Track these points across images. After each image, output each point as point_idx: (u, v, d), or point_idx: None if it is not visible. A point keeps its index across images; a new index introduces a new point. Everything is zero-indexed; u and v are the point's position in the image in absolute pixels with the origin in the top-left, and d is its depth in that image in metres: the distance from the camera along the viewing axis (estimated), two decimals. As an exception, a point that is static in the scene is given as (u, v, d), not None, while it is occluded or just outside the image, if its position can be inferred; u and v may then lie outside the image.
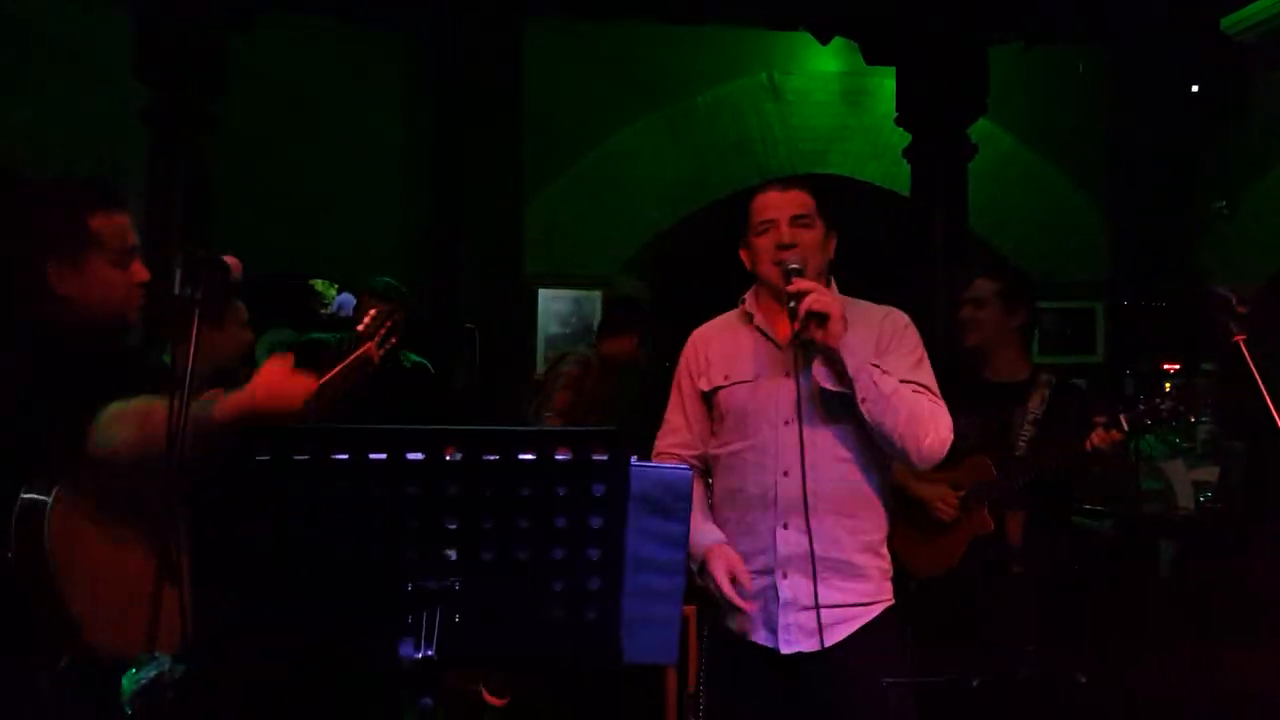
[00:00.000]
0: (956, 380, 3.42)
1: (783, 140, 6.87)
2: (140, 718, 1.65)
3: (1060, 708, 1.75)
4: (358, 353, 2.79)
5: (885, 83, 6.22)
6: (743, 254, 2.53)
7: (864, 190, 6.87)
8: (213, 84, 5.23)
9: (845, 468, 2.37)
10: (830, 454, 2.36)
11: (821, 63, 6.90)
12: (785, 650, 2.32)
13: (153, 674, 1.62)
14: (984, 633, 3.16)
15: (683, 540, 1.60)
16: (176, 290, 1.92)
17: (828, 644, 2.30)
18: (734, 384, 2.44)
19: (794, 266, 2.34)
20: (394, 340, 2.91)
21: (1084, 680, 1.74)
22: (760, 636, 2.35)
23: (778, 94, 6.88)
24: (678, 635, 1.66)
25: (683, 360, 2.56)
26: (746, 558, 2.33)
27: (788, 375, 2.36)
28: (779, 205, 2.44)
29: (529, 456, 1.49)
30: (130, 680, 1.63)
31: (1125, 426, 3.07)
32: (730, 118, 6.88)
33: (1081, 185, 7.03)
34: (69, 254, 2.04)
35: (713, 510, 2.46)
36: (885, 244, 7.25)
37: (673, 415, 2.55)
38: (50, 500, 1.95)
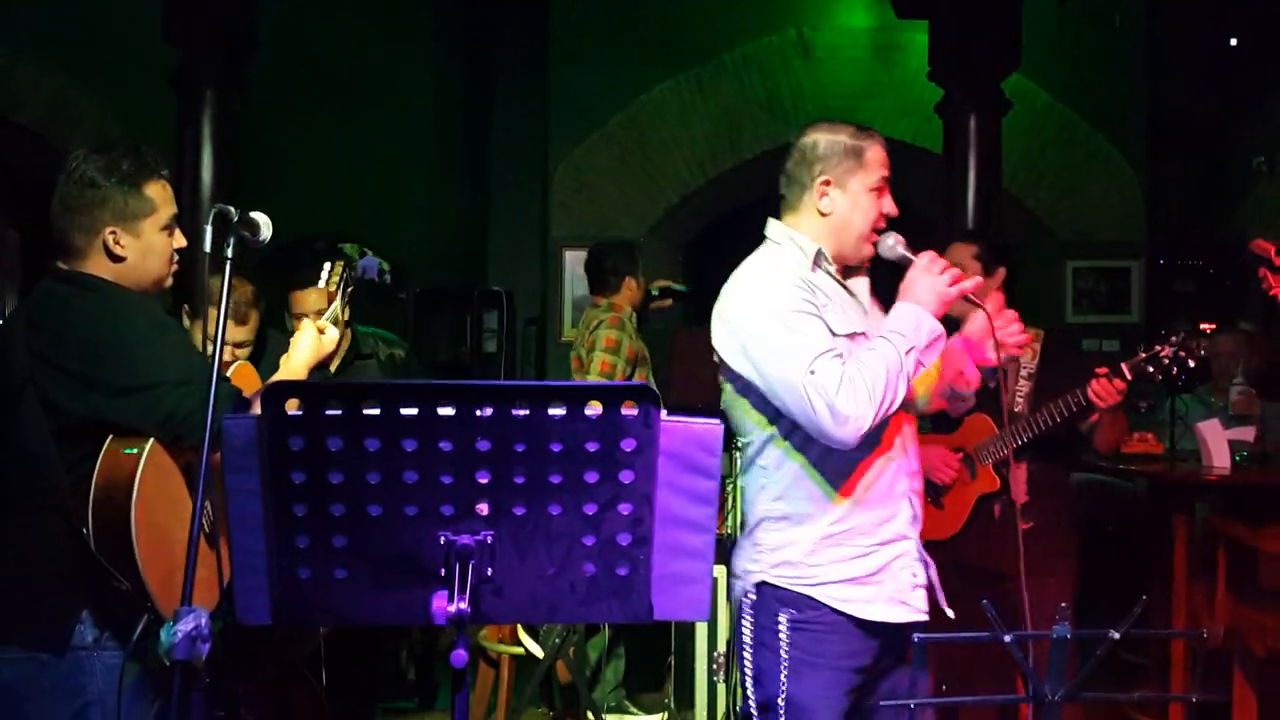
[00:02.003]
0: None
1: (812, 97, 6.79)
2: (178, 670, 1.68)
3: (1094, 663, 1.74)
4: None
5: (916, 37, 6.12)
6: (826, 190, 2.24)
7: (895, 147, 6.74)
8: (242, 49, 5.22)
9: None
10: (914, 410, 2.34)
11: (851, 17, 6.81)
12: (916, 619, 2.23)
13: (189, 627, 1.65)
14: (1007, 590, 3.18)
15: (713, 496, 1.59)
16: (207, 249, 1.95)
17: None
18: (854, 334, 2.22)
19: (891, 242, 2.25)
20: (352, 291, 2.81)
21: (1117, 636, 1.72)
22: (875, 612, 2.20)
23: (807, 50, 6.79)
24: (709, 593, 1.65)
25: (799, 301, 2.18)
26: (872, 530, 2.21)
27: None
28: (888, 166, 2.28)
29: (559, 411, 1.48)
30: (167, 633, 1.65)
31: (1127, 374, 3.05)
32: (759, 75, 6.80)
33: (1118, 142, 6.91)
34: (127, 219, 2.17)
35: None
36: (916, 202, 7.20)
37: (814, 335, 2.15)
38: (140, 466, 2.02)
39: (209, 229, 1.98)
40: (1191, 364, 3.05)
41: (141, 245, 2.19)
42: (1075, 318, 6.88)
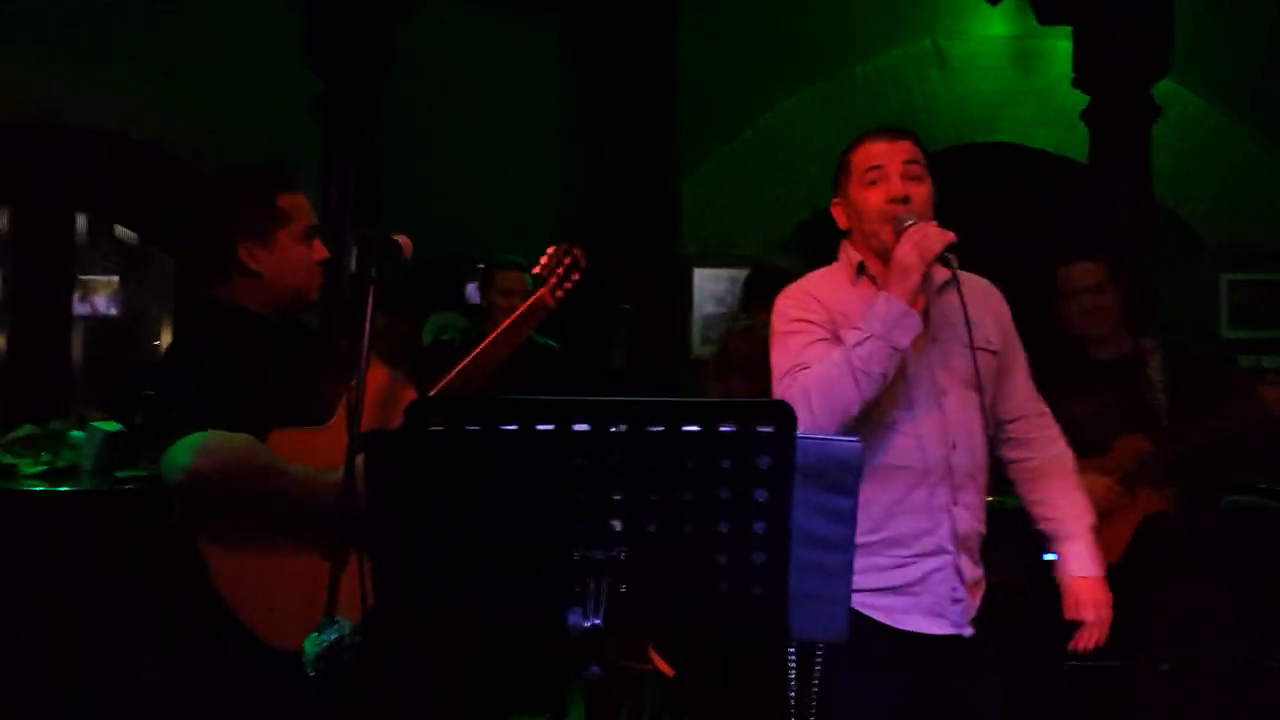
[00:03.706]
0: (1064, 363, 3.31)
1: (948, 108, 6.65)
2: (321, 680, 1.71)
3: (1254, 694, 1.64)
4: (531, 300, 2.57)
5: (1058, 44, 5.93)
6: (837, 211, 2.35)
7: (1037, 157, 6.59)
8: (378, 70, 5.40)
9: (981, 434, 2.27)
10: (975, 421, 2.24)
11: (989, 26, 6.64)
12: (953, 632, 2.20)
13: (333, 637, 1.68)
14: (1168, 616, 3.07)
15: (852, 515, 1.55)
16: (354, 269, 1.99)
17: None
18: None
19: (910, 223, 2.15)
20: (575, 278, 2.65)
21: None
22: (910, 622, 2.19)
23: (943, 60, 6.65)
24: (847, 613, 1.61)
25: (795, 310, 2.27)
26: (910, 541, 2.19)
27: (933, 339, 2.23)
28: (888, 154, 2.25)
29: (693, 428, 1.47)
30: (312, 643, 1.69)
31: None
32: (893, 87, 6.69)
33: (1277, 148, 6.56)
34: (260, 232, 2.16)
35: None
36: (1060, 214, 6.96)
37: (795, 346, 2.22)
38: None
39: (354, 250, 2.02)
40: None
41: (277, 257, 2.17)
42: (1231, 333, 6.55)
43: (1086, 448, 3.23)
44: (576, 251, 2.63)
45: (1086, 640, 2.30)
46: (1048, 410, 2.46)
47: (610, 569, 1.50)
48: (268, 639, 2.03)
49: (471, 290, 7.14)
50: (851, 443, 1.54)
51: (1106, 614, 2.33)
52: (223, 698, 2.09)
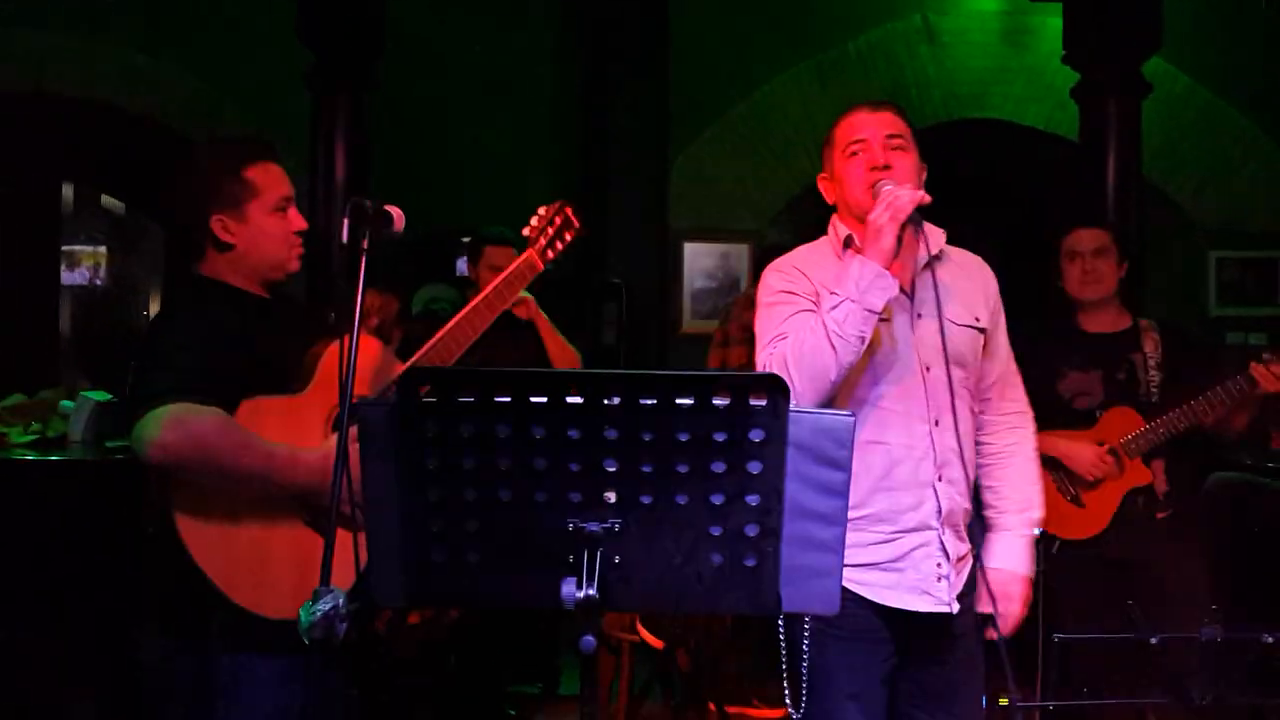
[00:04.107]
0: (1058, 335, 3.34)
1: (938, 84, 6.64)
2: (316, 648, 1.72)
3: (1245, 667, 1.66)
4: (518, 260, 2.45)
5: (1048, 20, 5.93)
6: (823, 185, 2.36)
7: (1026, 134, 6.60)
8: (371, 46, 5.36)
9: (966, 410, 2.25)
10: (960, 397, 2.23)
11: (980, 2, 6.63)
12: (938, 609, 2.19)
13: (328, 607, 1.69)
14: (1148, 579, 3.12)
15: (844, 489, 1.57)
16: (345, 239, 1.99)
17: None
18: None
19: (888, 187, 2.14)
20: (569, 238, 2.53)
21: (1271, 640, 1.64)
22: (894, 599, 2.19)
23: (933, 36, 6.64)
24: (839, 586, 1.62)
25: (779, 282, 2.27)
26: (893, 517, 2.19)
27: (918, 315, 2.23)
28: (870, 125, 2.26)
29: (687, 401, 1.48)
30: (306, 612, 1.70)
31: None
32: (884, 63, 6.68)
33: (1264, 126, 6.57)
34: (231, 204, 2.17)
35: None
36: (1049, 190, 6.97)
37: (778, 316, 2.22)
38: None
39: (345, 221, 2.01)
40: None
41: (249, 230, 2.17)
42: (1219, 310, 6.59)
43: (1076, 418, 3.28)
44: (569, 210, 2.53)
45: (994, 633, 2.25)
46: (1020, 396, 2.45)
47: (605, 541, 1.52)
48: (250, 608, 2.04)
49: (461, 264, 7.13)
50: (844, 416, 1.55)
51: (1017, 609, 2.31)
52: (211, 670, 2.09)
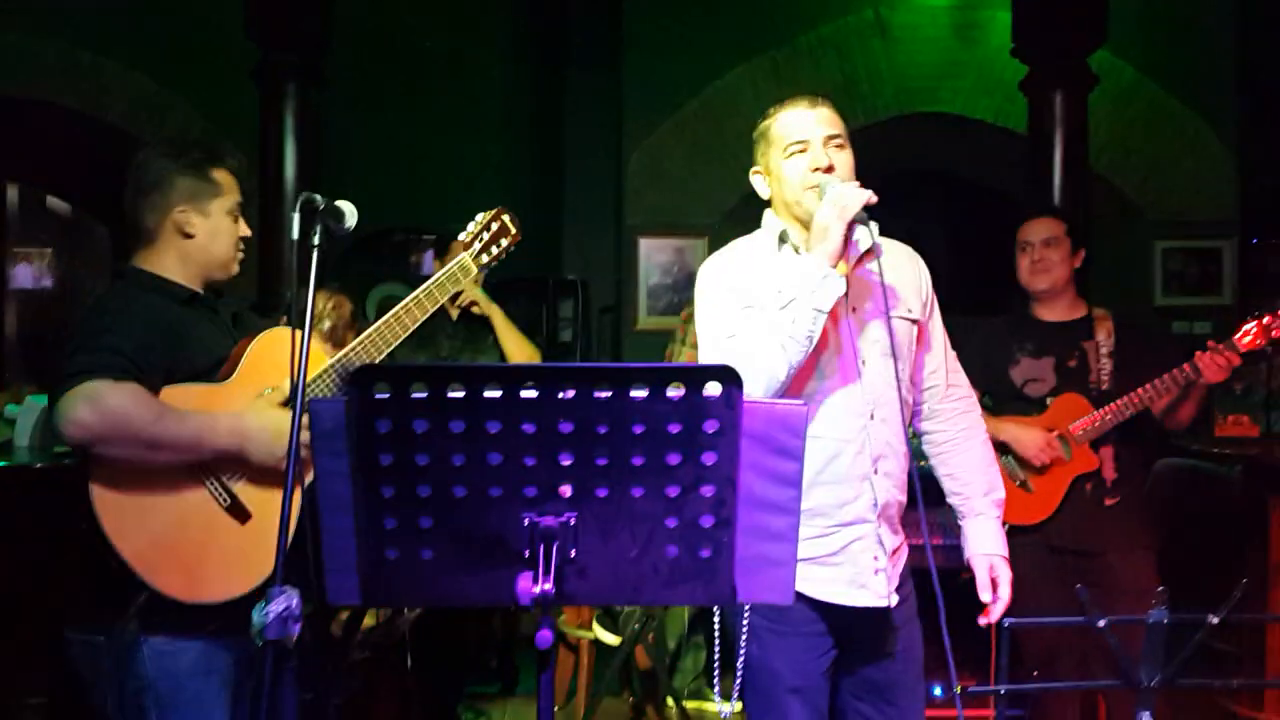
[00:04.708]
0: (1013, 324, 3.39)
1: (890, 79, 6.69)
2: (269, 650, 1.71)
3: (1191, 649, 1.69)
4: (453, 262, 2.46)
5: (998, 15, 5.99)
6: (757, 180, 2.34)
7: (977, 128, 6.67)
8: (319, 42, 5.31)
9: (900, 403, 2.24)
10: (894, 390, 2.23)
11: (930, -4, 6.70)
12: (878, 603, 2.20)
13: (281, 608, 1.68)
14: (1095, 567, 3.17)
15: (797, 479, 1.57)
16: (295, 235, 1.98)
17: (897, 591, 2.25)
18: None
19: (834, 187, 2.14)
20: (505, 244, 2.54)
21: (1216, 621, 1.67)
22: (832, 593, 2.19)
23: (885, 30, 6.69)
24: (794, 576, 1.63)
25: (719, 280, 2.25)
26: (830, 511, 2.19)
27: (853, 309, 2.22)
28: (810, 124, 2.23)
29: (641, 393, 1.48)
30: (259, 613, 1.68)
31: (1240, 349, 3.03)
32: (835, 57, 6.72)
33: (1209, 119, 6.69)
34: (197, 199, 2.28)
35: None
36: (1000, 183, 7.05)
37: (741, 328, 2.19)
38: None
39: (296, 216, 2.00)
40: None
41: (210, 225, 2.29)
42: (1164, 300, 6.70)
43: (1027, 405, 3.32)
44: (506, 217, 2.56)
45: (994, 615, 2.31)
46: (963, 381, 2.47)
47: (560, 535, 1.51)
48: (168, 592, 2.07)
49: (428, 261, 7.08)
50: (798, 405, 1.56)
51: (1008, 592, 2.35)
52: (133, 656, 2.11)
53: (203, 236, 2.29)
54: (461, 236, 2.52)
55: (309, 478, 1.95)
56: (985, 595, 2.32)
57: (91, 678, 2.16)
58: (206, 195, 2.29)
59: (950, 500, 2.44)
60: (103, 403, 2.01)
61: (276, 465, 2.15)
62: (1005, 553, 2.39)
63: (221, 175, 2.32)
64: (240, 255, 2.37)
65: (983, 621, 2.31)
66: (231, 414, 2.16)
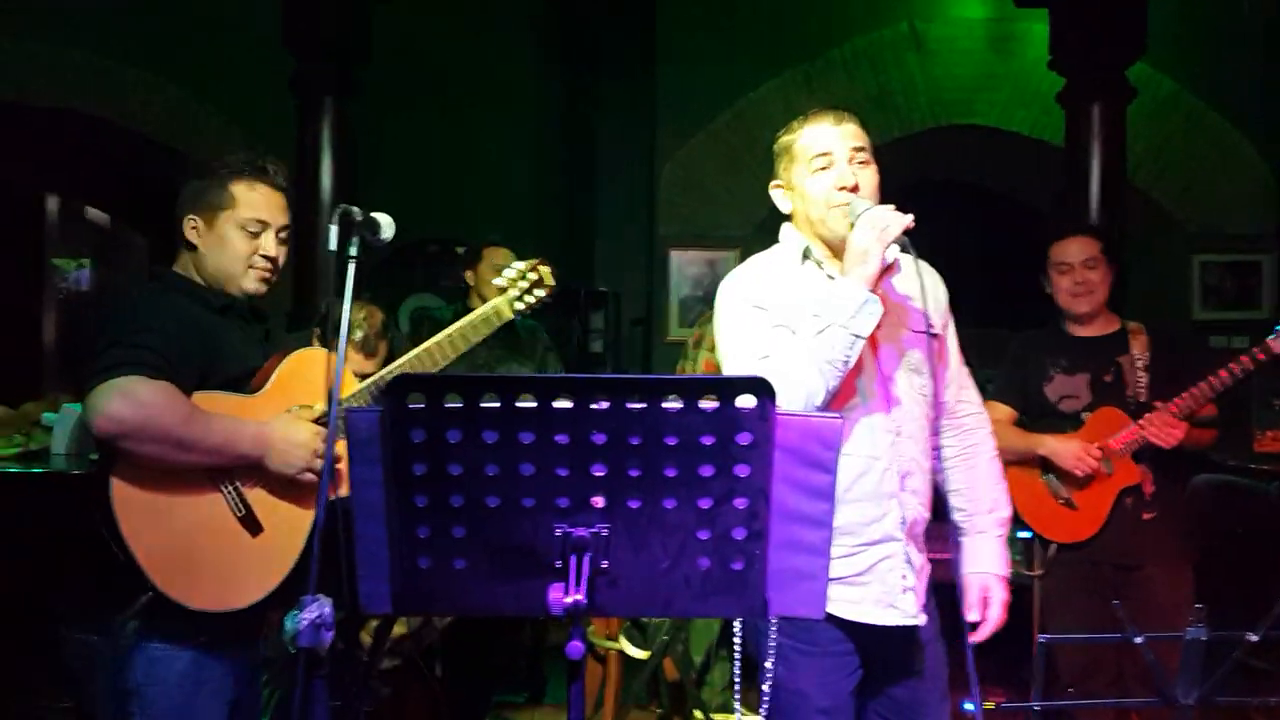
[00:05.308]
0: (1046, 339, 3.35)
1: (925, 91, 6.67)
2: (302, 657, 1.71)
3: (1229, 666, 1.66)
4: (487, 305, 2.48)
5: (1034, 27, 5.96)
6: (777, 193, 2.29)
7: (1012, 140, 6.63)
8: (356, 52, 5.36)
9: (926, 420, 2.22)
10: (920, 407, 2.21)
11: (966, 9, 6.67)
12: (906, 622, 2.17)
13: (314, 615, 1.68)
14: (1134, 580, 3.13)
15: (831, 491, 1.56)
16: (333, 247, 1.99)
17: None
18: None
19: (865, 208, 2.10)
20: (542, 294, 2.54)
21: (1255, 639, 1.64)
22: (860, 613, 2.16)
23: (920, 43, 6.67)
24: (825, 589, 1.62)
25: (745, 296, 2.21)
26: (857, 529, 2.14)
27: (877, 324, 2.14)
28: (836, 140, 2.19)
29: (674, 405, 1.47)
30: (292, 621, 1.69)
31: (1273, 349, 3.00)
32: (870, 69, 6.70)
33: (1247, 132, 6.62)
34: (206, 209, 2.25)
35: None
36: (1035, 196, 7.00)
37: (774, 349, 2.15)
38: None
39: (334, 228, 2.01)
40: None
41: (214, 237, 2.24)
42: (1202, 314, 6.62)
43: (1062, 421, 3.28)
44: (545, 269, 2.54)
45: (980, 635, 2.26)
46: (974, 397, 2.44)
47: (592, 546, 1.51)
48: (174, 597, 2.06)
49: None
50: (832, 419, 1.55)
51: (999, 614, 2.29)
52: (127, 658, 2.12)
53: (205, 248, 2.26)
54: (497, 281, 2.49)
55: (338, 492, 1.98)
56: (973, 615, 2.27)
57: (84, 676, 2.18)
58: (214, 207, 2.25)
59: (954, 516, 2.40)
60: (137, 398, 2.01)
61: (294, 477, 2.15)
62: (1003, 572, 2.33)
63: (241, 189, 2.26)
64: (260, 274, 2.29)
65: (971, 640, 2.25)
66: (258, 422, 2.16)
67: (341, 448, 2.04)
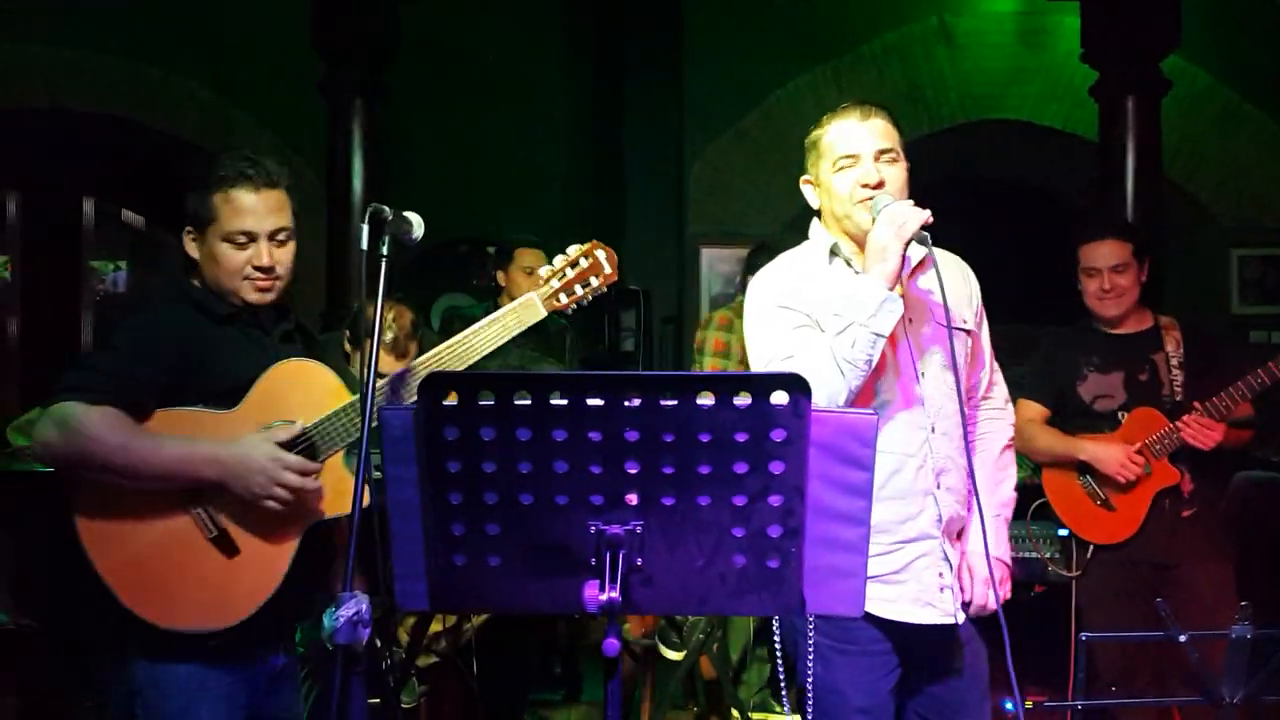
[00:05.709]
0: (1078, 338, 3.31)
1: (955, 86, 6.62)
2: (340, 654, 1.72)
3: (1276, 662, 1.64)
4: (518, 302, 2.22)
5: (1065, 20, 5.91)
6: (807, 188, 2.28)
7: (1044, 134, 6.56)
8: (385, 54, 5.39)
9: (959, 415, 2.17)
10: (953, 403, 2.17)
11: (996, 2, 6.61)
12: (944, 621, 2.15)
13: (351, 612, 1.69)
14: (1173, 579, 3.09)
15: (868, 489, 1.55)
16: (364, 246, 1.98)
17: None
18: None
19: (887, 204, 2.08)
20: (596, 283, 2.23)
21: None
22: (897, 612, 2.14)
23: (949, 38, 6.62)
24: (864, 587, 1.61)
25: (773, 295, 2.19)
26: (892, 528, 2.13)
27: (909, 320, 2.16)
28: (861, 138, 2.17)
29: (707, 401, 1.47)
30: (330, 618, 1.70)
31: None
32: (899, 65, 6.66)
33: (1285, 123, 6.53)
34: (196, 223, 2.19)
35: None
36: (1068, 190, 6.93)
37: (798, 348, 2.13)
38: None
39: (365, 228, 2.00)
40: None
41: (207, 251, 2.17)
42: (1241, 308, 6.54)
43: (1098, 421, 3.25)
44: (600, 254, 2.22)
45: (974, 609, 2.24)
46: (1003, 391, 2.41)
47: (626, 543, 1.51)
48: (150, 619, 2.05)
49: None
50: (868, 415, 1.54)
51: (993, 592, 2.22)
52: (130, 665, 2.11)
53: (201, 260, 2.19)
54: (543, 271, 2.24)
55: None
56: (964, 594, 2.24)
57: (92, 676, 2.19)
58: (202, 221, 2.17)
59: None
60: (69, 426, 1.98)
61: (254, 501, 2.05)
62: (1002, 554, 2.29)
63: (221, 200, 2.14)
64: (256, 285, 2.17)
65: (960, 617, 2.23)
66: (213, 444, 2.06)
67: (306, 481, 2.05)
